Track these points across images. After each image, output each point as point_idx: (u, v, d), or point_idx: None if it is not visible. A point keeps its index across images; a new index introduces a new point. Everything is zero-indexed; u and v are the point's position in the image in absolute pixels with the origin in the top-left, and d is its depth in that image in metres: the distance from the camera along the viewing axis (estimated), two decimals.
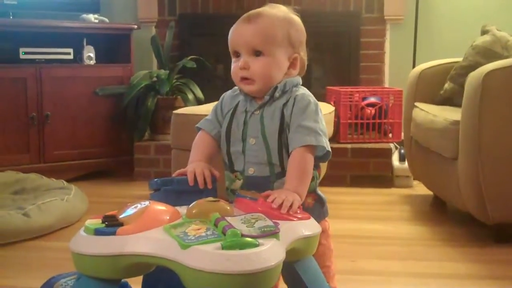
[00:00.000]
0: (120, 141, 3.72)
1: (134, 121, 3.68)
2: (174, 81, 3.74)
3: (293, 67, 1.43)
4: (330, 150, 1.39)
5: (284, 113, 1.37)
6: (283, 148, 1.36)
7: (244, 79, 1.39)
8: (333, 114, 3.24)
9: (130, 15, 4.13)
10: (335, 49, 4.07)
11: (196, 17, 4.08)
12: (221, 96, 1.51)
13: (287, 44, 1.40)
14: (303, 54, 1.46)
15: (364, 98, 3.57)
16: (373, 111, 3.56)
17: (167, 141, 3.43)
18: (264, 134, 1.37)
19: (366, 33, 3.98)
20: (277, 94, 1.39)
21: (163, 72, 3.69)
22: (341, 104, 3.53)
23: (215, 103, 1.53)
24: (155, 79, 3.68)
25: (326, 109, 3.07)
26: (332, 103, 3.58)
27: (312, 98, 1.41)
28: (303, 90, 1.43)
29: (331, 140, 3.37)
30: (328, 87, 3.78)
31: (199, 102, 3.64)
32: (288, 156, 1.36)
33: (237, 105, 1.44)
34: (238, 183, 1.40)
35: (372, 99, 3.58)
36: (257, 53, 1.37)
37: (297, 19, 1.45)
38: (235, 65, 1.41)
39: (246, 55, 1.38)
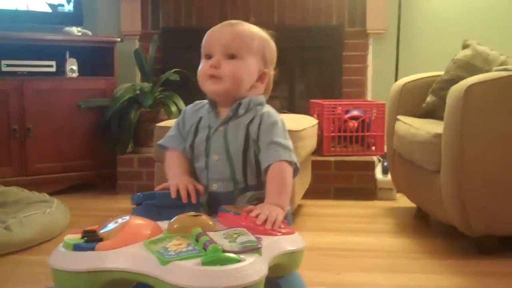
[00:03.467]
0: (103, 154, 3.68)
1: (117, 134, 3.65)
2: (157, 94, 3.71)
3: (261, 80, 1.44)
4: (299, 167, 1.39)
5: (250, 130, 1.37)
6: (248, 164, 1.36)
7: (212, 77, 1.38)
8: (316, 127, 3.23)
9: (114, 28, 4.11)
10: (318, 63, 4.07)
11: (179, 31, 4.07)
12: (182, 111, 1.51)
13: (261, 57, 1.42)
14: (272, 74, 1.47)
15: (347, 111, 3.57)
16: (356, 124, 3.56)
17: (150, 154, 3.40)
18: (228, 151, 1.37)
19: (348, 47, 3.99)
20: (241, 111, 1.39)
21: (147, 85, 3.67)
22: (324, 117, 3.52)
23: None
24: (138, 92, 3.65)
25: (309, 122, 3.06)
26: (315, 116, 3.57)
27: (278, 116, 1.41)
28: (268, 108, 1.43)
29: (315, 153, 3.37)
30: (312, 100, 3.78)
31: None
32: (253, 172, 1.36)
33: (200, 120, 1.44)
34: (204, 197, 1.38)
35: (355, 112, 3.58)
36: (231, 57, 1.38)
37: (271, 41, 1.47)
38: (205, 64, 1.40)
39: (220, 56, 1.38)
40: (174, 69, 3.72)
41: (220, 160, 1.38)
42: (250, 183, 1.37)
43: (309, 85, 4.14)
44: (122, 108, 3.64)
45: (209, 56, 1.40)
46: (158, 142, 1.50)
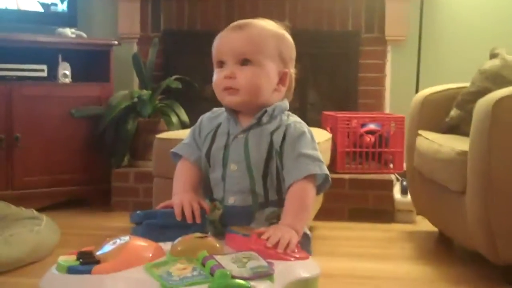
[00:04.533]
0: (96, 167, 3.69)
1: (112, 145, 3.65)
2: (157, 102, 3.72)
3: (282, 83, 1.44)
4: (330, 180, 1.40)
5: (273, 140, 1.38)
6: (269, 177, 1.37)
7: (228, 88, 1.39)
8: (329, 141, 3.24)
9: (110, 30, 4.13)
10: (332, 72, 4.08)
11: (182, 34, 4.09)
12: (199, 118, 1.52)
13: (278, 57, 1.42)
14: (292, 72, 1.47)
15: (363, 125, 3.58)
16: (372, 139, 3.56)
17: (148, 168, 3.40)
18: (248, 161, 1.37)
19: (365, 55, 4.00)
20: (264, 119, 1.40)
21: (145, 93, 3.68)
22: (338, 131, 3.53)
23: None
24: (136, 100, 3.67)
25: (322, 136, 3.06)
26: (328, 129, 3.58)
27: (306, 126, 1.42)
28: (294, 118, 1.44)
29: (327, 169, 3.36)
30: (324, 112, 3.78)
31: (183, 125, 3.63)
32: (274, 186, 1.37)
33: (218, 126, 1.45)
34: (217, 213, 1.39)
35: (372, 126, 3.58)
36: (245, 62, 1.39)
37: (288, 35, 1.47)
38: (219, 75, 1.41)
39: (233, 64, 1.39)
40: (176, 76, 3.73)
41: (239, 170, 1.38)
42: (271, 197, 1.38)
43: (322, 95, 4.14)
44: (118, 118, 3.64)
45: (221, 64, 1.41)
46: (172, 150, 1.51)
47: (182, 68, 3.95)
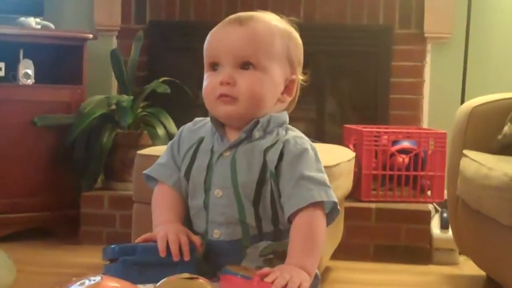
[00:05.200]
0: (63, 189, 3.69)
1: (83, 162, 3.66)
2: (140, 110, 3.73)
3: (288, 92, 1.45)
4: (339, 208, 1.40)
5: (267, 160, 1.38)
6: (262, 204, 1.37)
7: (223, 96, 1.39)
8: (352, 162, 3.22)
9: (84, 21, 4.14)
10: (357, 75, 4.08)
11: (172, 26, 4.10)
12: (179, 131, 1.53)
13: (286, 60, 1.43)
14: (300, 78, 1.49)
15: (394, 142, 3.57)
16: (406, 160, 3.55)
17: (127, 192, 3.41)
18: (236, 185, 1.38)
19: (399, 55, 4.00)
20: (257, 133, 1.40)
21: (126, 98, 3.68)
22: (363, 149, 3.52)
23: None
24: (114, 107, 3.67)
25: (343, 155, 3.05)
26: (351, 147, 3.57)
27: (309, 142, 1.43)
28: (294, 132, 1.44)
29: (350, 197, 3.36)
30: (347, 125, 3.78)
31: (171, 139, 3.62)
32: (269, 215, 1.37)
33: (200, 141, 1.45)
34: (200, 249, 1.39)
35: (406, 144, 3.58)
36: (246, 66, 1.39)
37: (296, 33, 1.48)
38: (212, 79, 1.41)
39: (231, 68, 1.39)
40: (164, 78, 3.74)
41: (225, 196, 1.38)
42: (265, 229, 1.38)
43: (344, 104, 4.14)
44: (91, 129, 3.65)
45: (215, 66, 1.42)
46: (144, 171, 1.51)
47: (172, 69, 3.96)
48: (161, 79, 3.73)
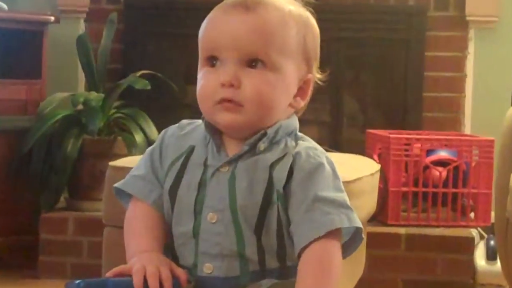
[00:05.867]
0: (17, 209, 3.69)
1: (42, 176, 3.65)
2: (113, 111, 3.73)
3: (302, 95, 1.45)
4: (363, 236, 1.40)
5: (274, 177, 1.37)
6: (265, 233, 1.37)
7: (226, 101, 1.38)
8: (377, 176, 3.21)
9: (45, 1, 4.15)
10: (382, 69, 4.09)
11: (154, 7, 4.11)
12: (161, 134, 1.52)
13: (301, 56, 1.43)
14: (315, 77, 1.49)
15: (429, 152, 3.58)
16: (444, 174, 3.56)
17: (96, 213, 3.40)
18: (234, 208, 1.37)
19: (434, 43, 4.02)
20: (261, 145, 1.40)
21: (95, 96, 3.68)
22: (391, 159, 3.52)
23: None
24: (81, 107, 3.67)
25: (365, 168, 3.04)
26: (375, 157, 3.57)
27: (324, 154, 1.42)
28: (306, 142, 1.44)
29: (374, 220, 3.35)
30: (370, 130, 3.78)
31: None
32: (274, 248, 1.37)
33: (190, 152, 1.44)
34: (188, 287, 1.39)
35: (443, 154, 3.59)
36: (253, 63, 1.39)
37: (313, 19, 1.48)
38: (210, 78, 1.41)
39: (235, 65, 1.38)
40: (143, 71, 3.73)
41: (220, 222, 1.38)
42: (269, 265, 1.38)
43: (366, 104, 4.16)
44: (52, 134, 3.65)
45: (213, 61, 1.41)
46: (116, 185, 1.52)
47: (153, 59, 3.96)
48: (139, 73, 3.73)
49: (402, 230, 3.48)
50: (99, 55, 3.84)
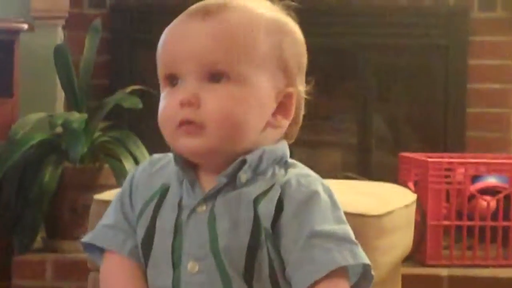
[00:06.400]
0: None
1: (15, 211, 3.66)
2: (98, 134, 3.74)
3: (284, 112, 1.41)
4: (373, 274, 1.37)
5: (259, 213, 1.36)
6: (256, 277, 1.36)
7: (185, 123, 1.38)
8: (413, 208, 3.21)
9: (16, 5, 4.17)
10: (417, 81, 4.09)
11: (144, 12, 4.16)
12: (129, 175, 1.52)
13: (276, 66, 1.40)
14: (301, 90, 1.45)
15: (475, 178, 3.58)
16: (493, 204, 3.56)
17: (78, 255, 3.41)
18: (217, 252, 1.37)
19: (479, 50, 4.03)
20: (243, 176, 1.38)
21: (77, 117, 3.69)
22: (429, 188, 3.53)
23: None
24: (60, 130, 3.68)
25: (398, 199, 3.03)
26: (410, 185, 3.57)
27: (319, 181, 1.40)
28: (298, 169, 1.42)
29: (410, 259, 3.35)
30: (403, 153, 3.78)
31: None
32: None
33: (164, 193, 1.44)
34: None
35: (492, 180, 3.59)
36: (217, 77, 1.37)
37: (293, 25, 1.45)
38: (170, 99, 1.40)
39: (195, 80, 1.37)
40: (133, 87, 3.74)
41: (203, 271, 1.38)
42: None
43: (399, 122, 4.16)
44: (27, 162, 3.66)
45: (173, 80, 1.40)
46: (83, 240, 1.51)
47: (145, 73, 3.97)
48: (129, 89, 3.75)
49: (444, 272, 3.48)
50: (81, 69, 3.85)
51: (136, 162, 3.67)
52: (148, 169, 1.49)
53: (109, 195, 2.91)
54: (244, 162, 1.37)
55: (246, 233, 1.35)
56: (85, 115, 3.71)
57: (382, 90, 4.09)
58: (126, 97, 3.68)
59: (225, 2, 1.40)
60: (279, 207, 1.36)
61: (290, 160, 1.44)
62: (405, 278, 3.33)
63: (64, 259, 3.60)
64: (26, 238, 3.66)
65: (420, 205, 3.45)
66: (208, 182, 1.40)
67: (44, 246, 3.73)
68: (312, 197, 1.36)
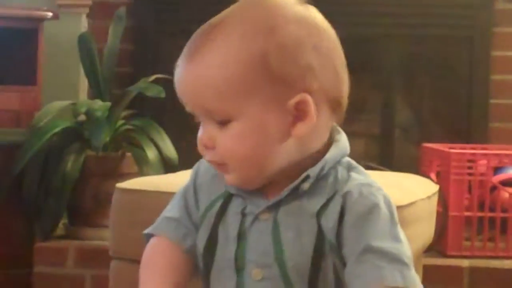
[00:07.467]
0: (9, 238, 3.70)
1: (37, 199, 3.67)
2: (121, 123, 3.75)
3: (300, 117, 1.36)
4: None
5: (322, 226, 1.36)
6: (321, 285, 1.36)
7: (212, 163, 1.40)
8: (435, 199, 3.20)
9: None
10: (440, 72, 4.08)
11: (168, 0, 4.16)
12: (193, 169, 1.52)
13: (269, 83, 1.34)
14: (325, 83, 1.39)
15: (498, 170, 3.57)
16: None
17: (101, 242, 3.42)
18: (282, 262, 1.36)
19: (503, 41, 4.03)
20: (305, 187, 1.38)
21: (100, 106, 3.69)
22: (451, 179, 3.52)
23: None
24: (83, 118, 3.68)
25: (420, 190, 3.03)
26: (433, 176, 3.56)
27: (380, 193, 1.39)
28: (359, 176, 1.40)
29: (431, 250, 3.34)
30: (426, 144, 3.78)
31: (169, 166, 3.62)
32: None
33: (228, 199, 1.43)
34: None
35: None
36: (224, 121, 1.35)
37: (282, 26, 1.36)
38: (199, 135, 1.40)
39: (209, 121, 1.37)
40: (157, 75, 3.74)
41: (267, 280, 1.37)
42: None
43: (422, 113, 4.14)
44: (50, 150, 3.66)
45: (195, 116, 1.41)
46: (145, 231, 1.51)
47: (168, 61, 3.93)
48: (152, 77, 3.75)
49: (465, 263, 3.48)
50: (104, 57, 3.86)
51: (159, 150, 3.67)
52: (211, 169, 1.47)
53: (132, 183, 2.91)
54: (307, 177, 1.37)
55: (310, 243, 1.35)
56: (108, 104, 3.72)
57: (405, 80, 4.08)
58: (150, 86, 3.67)
59: (205, 41, 1.37)
60: (341, 217, 1.35)
61: (352, 162, 1.43)
62: (426, 269, 3.32)
63: (86, 247, 3.61)
64: (47, 226, 3.68)
65: (442, 196, 3.44)
66: (272, 191, 1.40)
67: (66, 233, 3.74)
68: (372, 210, 1.36)
